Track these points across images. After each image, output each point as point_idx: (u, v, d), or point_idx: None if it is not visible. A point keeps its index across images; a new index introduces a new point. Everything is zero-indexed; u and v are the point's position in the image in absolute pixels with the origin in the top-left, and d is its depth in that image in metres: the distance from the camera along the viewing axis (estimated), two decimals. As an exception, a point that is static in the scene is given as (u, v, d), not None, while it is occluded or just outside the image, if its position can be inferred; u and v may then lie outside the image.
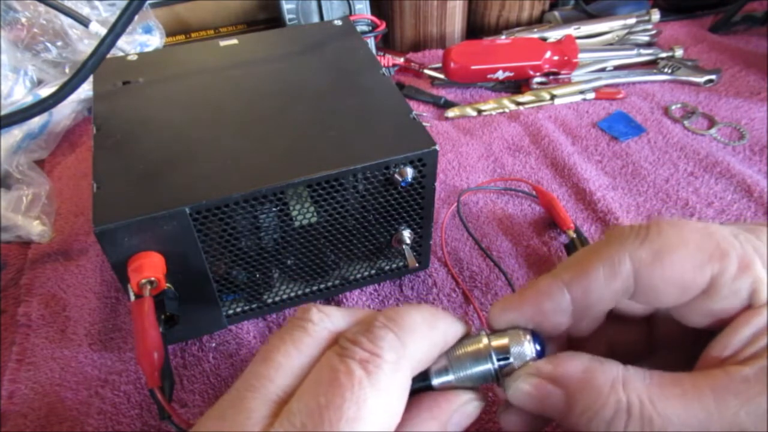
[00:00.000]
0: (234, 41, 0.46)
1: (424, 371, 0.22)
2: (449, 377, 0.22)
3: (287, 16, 0.60)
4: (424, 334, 0.21)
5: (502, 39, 0.64)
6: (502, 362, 0.22)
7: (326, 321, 0.22)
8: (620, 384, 0.20)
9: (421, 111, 0.60)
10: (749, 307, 0.21)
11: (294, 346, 0.21)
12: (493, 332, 0.23)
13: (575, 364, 0.22)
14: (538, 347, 0.23)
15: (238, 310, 0.38)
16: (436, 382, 0.22)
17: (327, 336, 0.21)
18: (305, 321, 0.22)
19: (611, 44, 0.67)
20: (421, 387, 0.22)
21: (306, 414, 0.18)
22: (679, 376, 0.20)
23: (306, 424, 0.18)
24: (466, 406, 0.23)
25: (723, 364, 0.21)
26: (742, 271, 0.21)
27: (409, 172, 0.34)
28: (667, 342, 0.26)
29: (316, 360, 0.21)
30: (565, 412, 0.21)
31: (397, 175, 0.34)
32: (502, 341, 0.23)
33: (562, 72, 0.62)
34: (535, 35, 0.66)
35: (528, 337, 0.23)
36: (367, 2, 0.60)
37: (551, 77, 0.63)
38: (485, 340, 0.23)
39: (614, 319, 0.26)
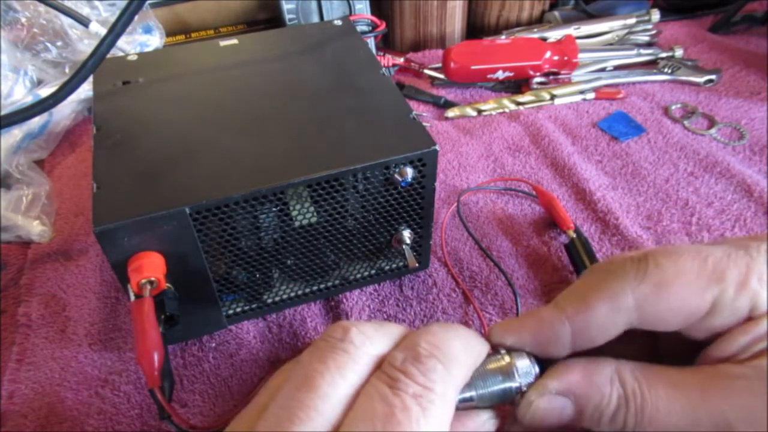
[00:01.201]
0: (234, 41, 0.46)
1: None
2: (471, 393, 0.22)
3: (287, 16, 0.60)
4: (465, 362, 0.21)
5: (502, 39, 0.64)
6: (523, 380, 0.23)
7: (368, 345, 0.21)
8: (616, 379, 0.21)
9: (421, 111, 0.60)
10: (749, 318, 0.22)
11: (339, 373, 0.20)
12: (496, 352, 0.24)
13: (574, 370, 0.22)
14: (536, 367, 0.23)
15: (238, 310, 0.38)
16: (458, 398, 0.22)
17: (369, 362, 0.21)
18: (347, 343, 0.21)
19: (611, 44, 0.67)
20: None
21: None
22: (667, 369, 0.21)
23: None
24: (485, 426, 0.23)
25: (721, 360, 0.21)
26: (741, 290, 0.21)
27: (409, 172, 0.34)
28: (670, 352, 0.26)
29: (360, 387, 0.20)
30: (576, 418, 0.22)
31: (397, 175, 0.34)
32: (523, 360, 0.23)
33: (562, 72, 0.62)
34: (535, 35, 0.66)
35: (532, 357, 0.23)
36: (367, 2, 0.60)
37: (551, 77, 0.63)
38: (507, 358, 0.23)
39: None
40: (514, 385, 0.23)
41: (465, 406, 0.23)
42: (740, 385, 0.20)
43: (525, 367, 0.23)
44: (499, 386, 0.23)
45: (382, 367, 0.20)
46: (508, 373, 0.23)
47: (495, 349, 0.24)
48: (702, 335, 0.23)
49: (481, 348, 0.23)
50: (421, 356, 0.20)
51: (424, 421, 0.19)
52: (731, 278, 0.22)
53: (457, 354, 0.21)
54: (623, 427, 0.21)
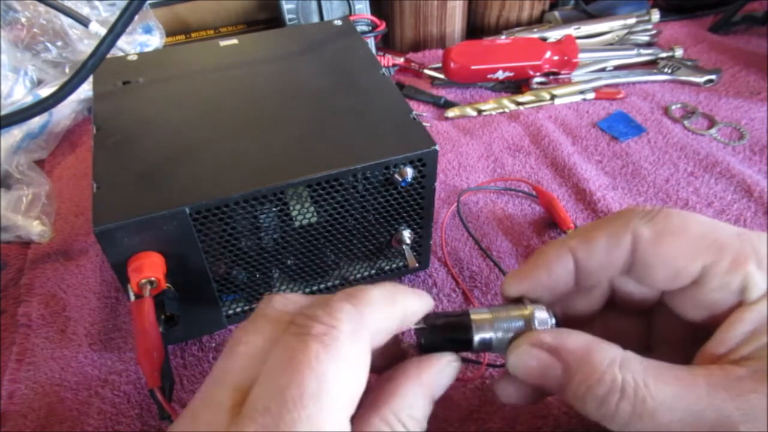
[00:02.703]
0: (234, 41, 0.46)
1: (465, 328, 0.24)
2: (490, 335, 0.24)
3: (287, 16, 0.60)
4: (382, 307, 0.22)
5: (502, 39, 0.64)
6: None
7: (290, 306, 0.22)
8: (617, 364, 0.21)
9: (421, 111, 0.60)
10: (741, 303, 0.22)
11: (257, 335, 0.21)
12: (513, 301, 0.25)
13: (577, 339, 0.23)
14: (554, 319, 0.24)
15: (238, 310, 0.38)
16: (477, 337, 0.23)
17: (289, 320, 0.21)
18: (268, 309, 0.22)
19: (611, 44, 0.67)
20: (459, 339, 0.24)
21: (268, 397, 0.18)
22: (675, 367, 0.21)
23: (269, 407, 0.18)
24: (448, 367, 0.23)
25: (719, 361, 0.21)
26: (735, 267, 0.22)
27: (409, 172, 0.34)
28: (665, 339, 0.26)
29: None
30: (562, 386, 0.22)
31: (397, 175, 0.34)
32: (541, 312, 0.24)
33: (562, 72, 0.62)
34: (535, 35, 0.66)
35: (551, 311, 0.25)
36: (367, 2, 0.60)
37: (551, 77, 0.63)
38: (528, 309, 0.24)
39: (615, 310, 0.27)
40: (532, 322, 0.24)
41: (482, 348, 0.24)
42: (746, 386, 0.20)
43: (542, 319, 0.24)
44: (515, 333, 0.24)
45: (293, 319, 0.21)
46: (526, 321, 0.24)
47: (520, 300, 0.25)
48: (692, 311, 0.23)
49: (411, 300, 0.23)
50: (331, 301, 0.21)
51: (326, 356, 0.19)
52: (728, 252, 0.22)
53: (372, 298, 0.21)
54: (613, 414, 0.21)
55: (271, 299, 0.22)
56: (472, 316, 0.24)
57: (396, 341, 0.25)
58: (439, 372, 0.23)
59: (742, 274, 0.22)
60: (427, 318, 0.24)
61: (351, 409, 0.19)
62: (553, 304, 0.25)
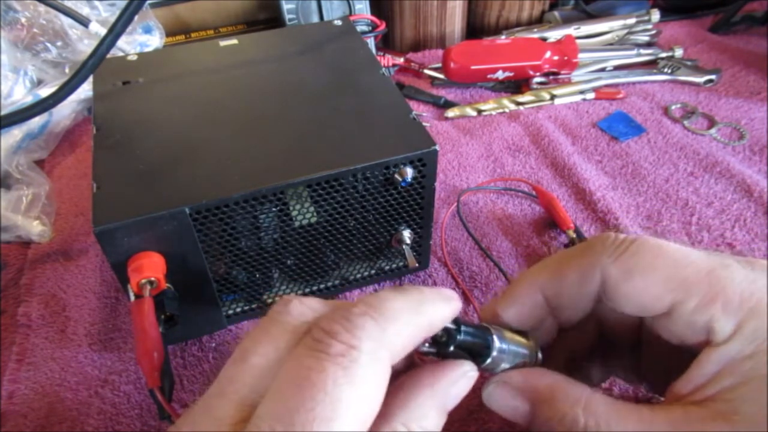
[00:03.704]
0: (234, 41, 0.46)
1: (487, 347, 0.23)
2: (504, 346, 0.24)
3: (287, 16, 0.60)
4: (407, 321, 0.20)
5: (502, 39, 0.64)
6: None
7: (307, 314, 0.20)
8: (581, 405, 0.22)
9: (421, 111, 0.60)
10: (708, 343, 0.22)
11: (269, 346, 0.19)
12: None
13: (543, 379, 0.23)
14: (539, 354, 0.25)
15: (238, 310, 0.38)
16: (489, 359, 0.23)
17: (306, 331, 0.19)
18: (283, 315, 0.20)
19: (611, 44, 0.67)
20: (475, 353, 0.23)
21: (275, 418, 0.17)
22: (639, 407, 0.21)
23: (275, 427, 0.17)
24: (464, 378, 0.22)
25: (683, 400, 0.22)
26: (700, 308, 0.22)
27: (409, 172, 0.34)
28: (652, 356, 0.27)
29: None
30: (529, 422, 0.23)
31: (397, 175, 0.34)
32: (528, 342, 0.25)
33: (562, 72, 0.62)
34: (535, 35, 0.66)
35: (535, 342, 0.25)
36: (367, 2, 0.60)
37: (551, 77, 0.63)
38: (532, 343, 0.25)
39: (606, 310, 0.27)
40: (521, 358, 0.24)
41: (485, 368, 0.24)
42: (706, 427, 0.20)
43: (522, 353, 0.24)
44: (511, 355, 0.24)
45: (309, 331, 0.19)
46: (533, 353, 0.25)
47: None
48: (667, 336, 0.24)
49: (438, 309, 0.21)
50: (351, 315, 0.19)
51: (345, 380, 0.17)
52: (695, 293, 0.22)
53: (397, 312, 0.20)
54: None
55: (288, 304, 0.20)
56: (494, 337, 0.24)
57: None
58: (454, 383, 0.22)
59: (708, 315, 0.22)
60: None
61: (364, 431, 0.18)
62: (546, 330, 0.26)
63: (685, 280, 0.22)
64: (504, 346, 0.24)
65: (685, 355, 0.23)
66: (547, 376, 0.23)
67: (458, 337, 0.22)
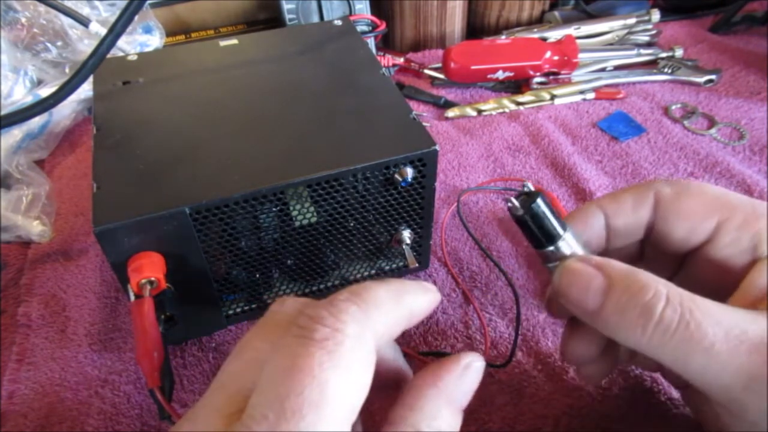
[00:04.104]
0: (234, 41, 0.46)
1: (561, 224, 0.25)
2: (573, 237, 0.26)
3: (287, 16, 0.60)
4: (389, 308, 0.21)
5: (502, 39, 0.64)
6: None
7: (299, 309, 0.21)
8: (662, 283, 0.22)
9: (421, 111, 0.60)
10: (754, 261, 0.24)
11: (265, 340, 0.20)
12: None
13: (622, 264, 0.24)
14: None
15: (238, 310, 0.38)
16: (561, 240, 0.26)
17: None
18: (278, 314, 0.21)
19: (611, 44, 0.67)
20: (549, 230, 0.25)
21: (266, 405, 0.17)
22: (715, 302, 0.22)
23: (267, 415, 0.17)
24: (469, 370, 0.22)
25: (748, 308, 0.22)
26: (746, 224, 0.24)
27: (409, 172, 0.34)
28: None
29: None
30: (601, 301, 0.22)
31: (397, 175, 0.34)
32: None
33: (562, 72, 0.62)
34: (535, 35, 0.66)
35: None
36: (367, 2, 0.60)
37: (551, 77, 0.63)
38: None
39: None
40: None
41: (551, 251, 0.25)
42: None
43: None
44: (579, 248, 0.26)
45: (295, 319, 0.20)
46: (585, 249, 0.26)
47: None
48: (707, 273, 0.25)
49: (418, 299, 0.22)
50: (336, 301, 0.20)
51: (330, 363, 0.18)
52: (740, 211, 0.24)
53: (380, 300, 0.20)
54: (657, 323, 0.21)
55: (284, 302, 0.21)
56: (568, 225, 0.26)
57: (396, 351, 0.25)
58: (458, 377, 0.21)
59: (753, 231, 0.24)
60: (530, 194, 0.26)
61: (353, 417, 0.18)
62: None
63: (730, 201, 0.25)
64: (574, 238, 0.26)
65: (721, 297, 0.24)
66: (624, 264, 0.23)
67: (538, 199, 0.25)
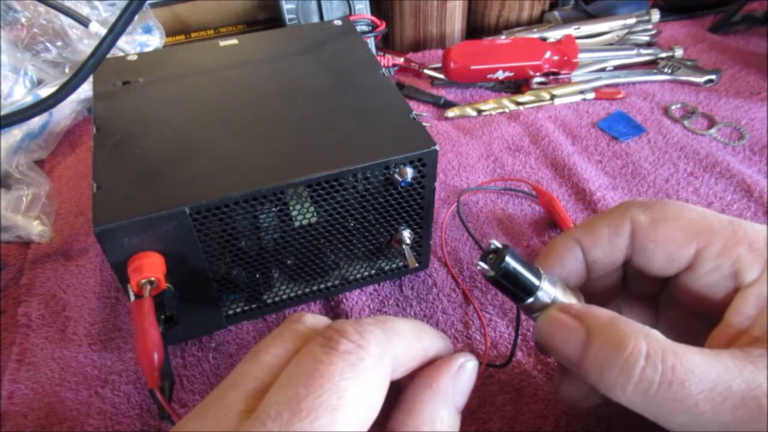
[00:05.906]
0: (234, 41, 0.46)
1: (537, 276, 0.25)
2: (551, 285, 0.25)
3: (287, 16, 0.60)
4: (409, 341, 0.22)
5: (502, 39, 0.64)
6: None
7: (319, 325, 0.22)
8: (642, 335, 0.21)
9: (421, 111, 0.60)
10: (736, 288, 0.23)
11: (282, 346, 0.21)
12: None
13: (603, 311, 0.23)
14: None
15: (238, 310, 0.38)
16: (540, 291, 0.25)
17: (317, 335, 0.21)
18: (297, 323, 0.22)
19: (611, 44, 0.67)
20: (525, 285, 0.25)
21: (283, 403, 0.18)
22: (698, 348, 0.21)
23: (282, 413, 0.18)
24: (463, 370, 0.23)
25: (733, 343, 0.22)
26: (725, 251, 0.23)
27: (409, 172, 0.34)
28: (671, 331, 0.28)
29: None
30: (581, 354, 0.22)
31: (397, 175, 0.34)
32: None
33: (562, 72, 0.62)
34: (535, 35, 0.66)
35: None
36: (367, 2, 0.60)
37: (551, 77, 0.63)
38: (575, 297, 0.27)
39: (626, 304, 0.29)
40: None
41: (530, 305, 0.25)
42: None
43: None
44: (559, 295, 0.25)
45: (322, 331, 0.21)
46: (565, 292, 0.26)
47: None
48: (690, 299, 0.25)
49: (434, 341, 0.23)
50: (362, 322, 0.21)
51: (351, 374, 0.19)
52: (719, 237, 0.23)
53: (401, 331, 0.21)
54: (637, 383, 0.20)
55: (303, 315, 0.22)
56: (542, 273, 0.25)
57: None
58: (453, 377, 0.22)
59: (733, 258, 0.23)
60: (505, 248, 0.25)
61: (363, 430, 0.19)
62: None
63: (708, 226, 0.24)
64: (551, 285, 0.25)
65: (701, 325, 0.23)
66: (605, 310, 0.23)
67: (506, 256, 0.24)
